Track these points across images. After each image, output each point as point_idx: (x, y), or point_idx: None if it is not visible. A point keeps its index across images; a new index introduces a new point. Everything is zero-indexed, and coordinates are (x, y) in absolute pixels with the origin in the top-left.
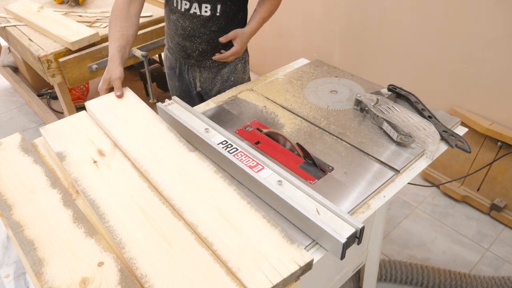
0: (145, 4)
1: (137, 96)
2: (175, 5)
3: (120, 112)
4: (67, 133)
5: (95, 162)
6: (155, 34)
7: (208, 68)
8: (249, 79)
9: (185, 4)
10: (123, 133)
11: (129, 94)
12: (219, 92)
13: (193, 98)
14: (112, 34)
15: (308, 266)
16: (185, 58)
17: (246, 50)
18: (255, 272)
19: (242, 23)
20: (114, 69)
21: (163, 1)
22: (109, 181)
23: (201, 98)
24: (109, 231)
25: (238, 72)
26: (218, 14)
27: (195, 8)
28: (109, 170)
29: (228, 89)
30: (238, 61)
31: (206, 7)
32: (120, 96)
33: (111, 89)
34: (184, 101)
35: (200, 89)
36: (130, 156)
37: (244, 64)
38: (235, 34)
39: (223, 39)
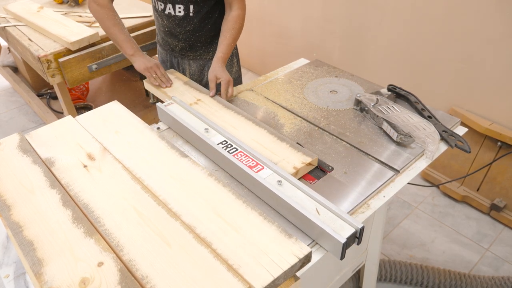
0: (145, 4)
1: (126, 108)
2: (153, 4)
3: (110, 125)
4: (54, 139)
5: (85, 166)
6: (154, 34)
7: (196, 61)
8: (238, 72)
9: (160, 5)
10: (115, 144)
11: (118, 106)
12: (208, 83)
13: None
14: (120, 33)
15: (307, 259)
16: (171, 52)
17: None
18: (256, 267)
19: (219, 22)
20: (153, 60)
21: None
22: (102, 185)
23: None
24: (105, 234)
25: (226, 65)
26: (191, 14)
27: (169, 9)
28: (101, 174)
29: None
30: None
31: (179, 8)
32: (169, 86)
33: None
34: None
35: None
36: (123, 165)
37: (231, 57)
38: (213, 75)
39: (211, 94)
